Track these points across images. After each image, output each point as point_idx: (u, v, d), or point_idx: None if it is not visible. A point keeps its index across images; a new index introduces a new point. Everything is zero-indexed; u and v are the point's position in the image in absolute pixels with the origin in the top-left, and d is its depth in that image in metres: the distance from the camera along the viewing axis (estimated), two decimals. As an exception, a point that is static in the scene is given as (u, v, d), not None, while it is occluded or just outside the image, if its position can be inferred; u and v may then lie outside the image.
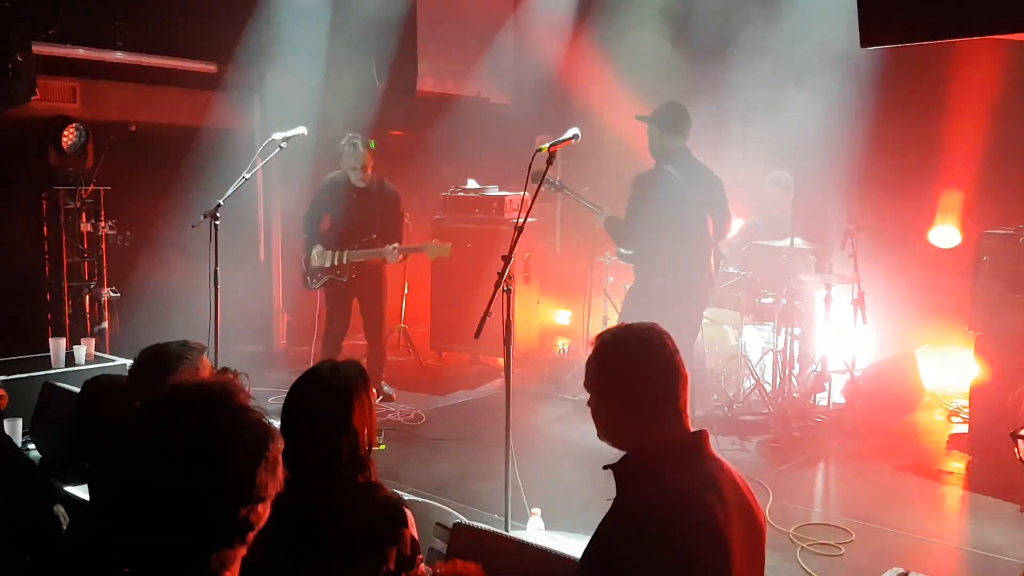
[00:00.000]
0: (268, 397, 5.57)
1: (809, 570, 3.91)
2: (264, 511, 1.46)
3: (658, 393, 2.03)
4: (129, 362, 2.98)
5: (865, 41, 4.14)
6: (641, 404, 2.03)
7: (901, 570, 2.99)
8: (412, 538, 2.28)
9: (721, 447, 5.44)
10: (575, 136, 3.88)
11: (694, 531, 1.89)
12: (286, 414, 2.35)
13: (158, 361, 2.69)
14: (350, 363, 2.46)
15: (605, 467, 2.05)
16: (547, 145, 3.78)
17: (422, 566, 2.29)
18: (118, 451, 1.44)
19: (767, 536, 2.09)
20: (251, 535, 1.45)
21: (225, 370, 1.55)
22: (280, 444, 1.48)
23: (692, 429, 2.05)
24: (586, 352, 7.29)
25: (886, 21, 3.99)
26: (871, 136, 6.78)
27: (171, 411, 1.44)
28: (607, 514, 2.01)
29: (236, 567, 1.46)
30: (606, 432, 2.09)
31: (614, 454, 2.05)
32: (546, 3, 8.60)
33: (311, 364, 2.50)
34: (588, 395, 2.12)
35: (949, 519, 4.72)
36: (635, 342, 2.07)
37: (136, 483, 1.39)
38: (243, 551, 1.46)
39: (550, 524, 3.75)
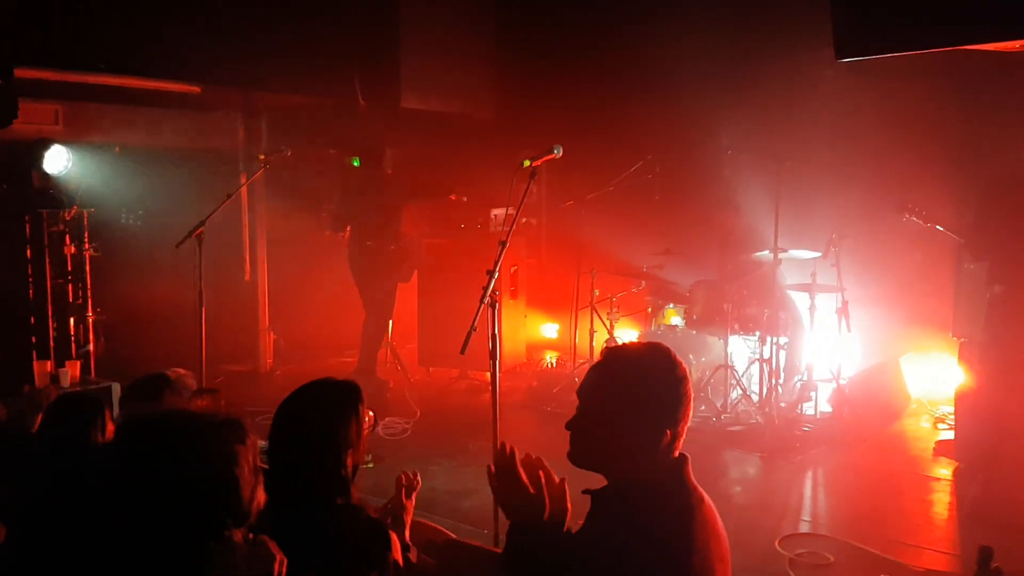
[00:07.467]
0: (256, 417, 5.53)
1: (799, 579, 3.92)
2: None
3: (662, 424, 1.91)
4: (115, 384, 2.96)
5: (840, 53, 4.20)
6: (640, 434, 1.91)
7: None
8: (395, 562, 2.25)
9: (710, 457, 5.46)
10: (556, 151, 3.90)
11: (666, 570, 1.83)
12: (274, 429, 2.34)
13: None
14: (345, 382, 2.42)
15: (584, 492, 2.00)
16: (529, 161, 3.80)
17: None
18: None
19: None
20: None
21: (202, 391, 1.53)
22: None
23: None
24: (574, 365, 7.16)
25: (861, 33, 4.04)
26: (855, 145, 6.85)
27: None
28: (580, 532, 1.97)
29: None
30: (588, 454, 1.96)
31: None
32: (529, 19, 8.67)
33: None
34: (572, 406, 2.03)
35: (937, 526, 4.74)
36: (650, 364, 1.96)
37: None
38: None
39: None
